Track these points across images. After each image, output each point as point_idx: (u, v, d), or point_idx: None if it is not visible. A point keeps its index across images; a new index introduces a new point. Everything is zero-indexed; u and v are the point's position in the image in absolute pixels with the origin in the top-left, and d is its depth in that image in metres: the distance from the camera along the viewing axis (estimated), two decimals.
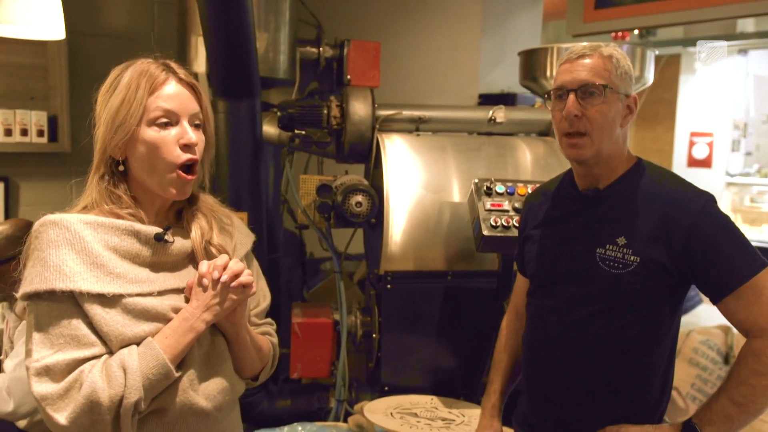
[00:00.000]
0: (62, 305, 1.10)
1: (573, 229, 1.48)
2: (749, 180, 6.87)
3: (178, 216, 1.30)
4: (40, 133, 3.01)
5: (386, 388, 2.35)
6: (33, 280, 1.10)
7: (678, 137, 7.20)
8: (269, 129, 2.72)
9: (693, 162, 7.05)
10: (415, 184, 2.34)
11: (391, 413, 2.13)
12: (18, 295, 1.12)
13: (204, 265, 1.19)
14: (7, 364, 1.97)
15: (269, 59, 2.77)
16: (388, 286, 2.30)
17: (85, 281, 1.10)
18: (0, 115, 2.91)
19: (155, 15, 3.43)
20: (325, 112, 2.49)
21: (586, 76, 1.38)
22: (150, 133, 1.17)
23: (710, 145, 6.95)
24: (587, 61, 1.39)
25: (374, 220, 2.36)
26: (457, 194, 2.35)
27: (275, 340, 1.46)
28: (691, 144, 7.06)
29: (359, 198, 2.30)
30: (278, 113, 2.53)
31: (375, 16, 3.63)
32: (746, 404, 1.29)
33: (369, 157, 2.49)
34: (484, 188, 2.16)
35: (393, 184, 2.32)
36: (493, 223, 2.08)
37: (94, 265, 1.12)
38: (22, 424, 2.08)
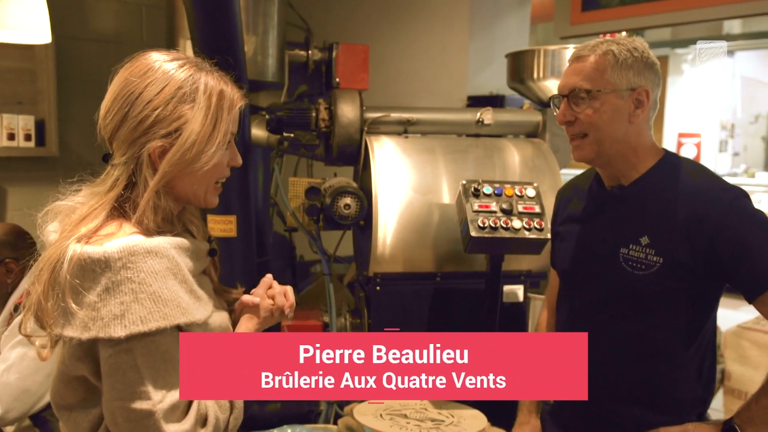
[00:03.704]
0: (171, 339, 1.04)
1: (597, 229, 1.46)
2: (737, 180, 6.92)
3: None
4: (28, 137, 3.00)
5: None
6: (147, 317, 1.00)
7: (666, 138, 7.25)
8: (258, 132, 2.72)
9: None
10: (403, 186, 2.34)
11: (381, 415, 2.13)
12: (122, 335, 0.99)
13: (281, 297, 1.25)
14: None
15: (257, 62, 2.77)
16: (377, 287, 2.30)
17: (197, 311, 1.08)
18: None
19: (143, 18, 3.43)
20: (314, 114, 2.50)
21: (575, 81, 1.37)
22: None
23: (698, 145, 7.00)
24: (581, 63, 1.38)
25: (363, 222, 2.37)
26: (445, 196, 2.35)
27: None
28: (679, 145, 7.11)
29: (348, 200, 2.31)
30: (267, 116, 2.53)
31: (363, 19, 3.64)
32: None
33: (358, 160, 2.50)
34: (472, 189, 2.17)
35: (382, 186, 2.33)
36: (481, 224, 2.09)
37: (191, 293, 1.08)
38: (9, 430, 2.06)
